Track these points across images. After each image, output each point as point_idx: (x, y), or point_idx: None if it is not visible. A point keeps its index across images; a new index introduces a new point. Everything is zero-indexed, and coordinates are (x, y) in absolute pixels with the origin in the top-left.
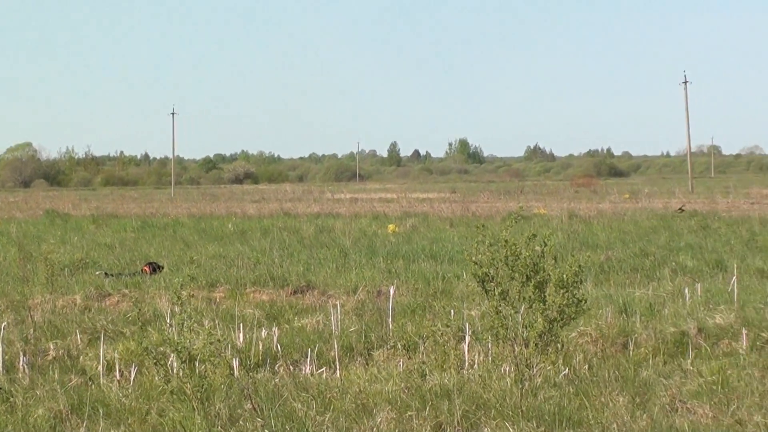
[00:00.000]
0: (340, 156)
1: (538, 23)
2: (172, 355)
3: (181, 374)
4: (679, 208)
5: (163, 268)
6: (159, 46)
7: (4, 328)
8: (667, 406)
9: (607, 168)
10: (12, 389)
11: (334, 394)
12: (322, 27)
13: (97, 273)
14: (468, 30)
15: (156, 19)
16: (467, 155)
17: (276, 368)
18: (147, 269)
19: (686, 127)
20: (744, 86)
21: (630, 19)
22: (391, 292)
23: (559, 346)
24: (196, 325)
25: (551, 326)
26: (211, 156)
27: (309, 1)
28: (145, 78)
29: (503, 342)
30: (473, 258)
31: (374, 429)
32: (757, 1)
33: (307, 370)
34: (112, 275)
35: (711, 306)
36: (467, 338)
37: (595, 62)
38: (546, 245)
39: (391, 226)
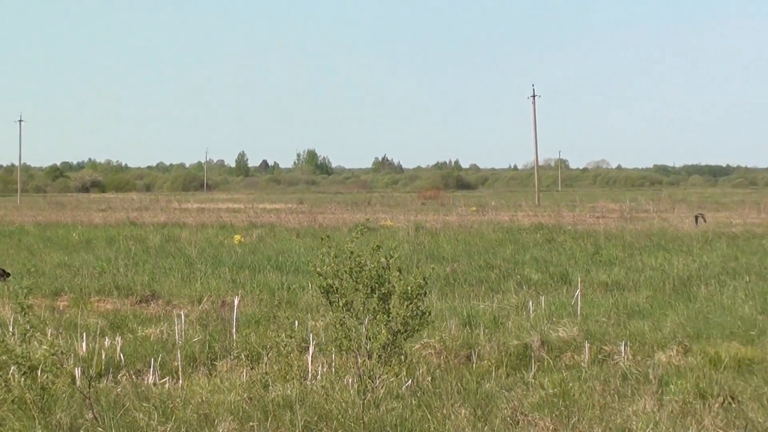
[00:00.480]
0: (188, 165)
1: (385, 34)
2: (13, 365)
3: (22, 384)
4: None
5: (9, 275)
6: (5, 52)
7: None
8: (508, 419)
9: (454, 180)
10: None
11: (177, 404)
12: (169, 35)
13: None
14: (316, 41)
15: (4, 24)
16: (315, 166)
17: (119, 378)
18: None
19: (534, 141)
20: (591, 101)
21: (480, 32)
22: (236, 302)
23: (402, 357)
24: (38, 334)
25: (395, 338)
26: (58, 164)
27: (151, 6)
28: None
29: (347, 353)
30: (318, 269)
31: None
32: (605, 17)
33: (150, 380)
34: (6, 274)
35: (554, 319)
36: (311, 349)
37: (443, 75)
38: (391, 257)
39: (237, 237)
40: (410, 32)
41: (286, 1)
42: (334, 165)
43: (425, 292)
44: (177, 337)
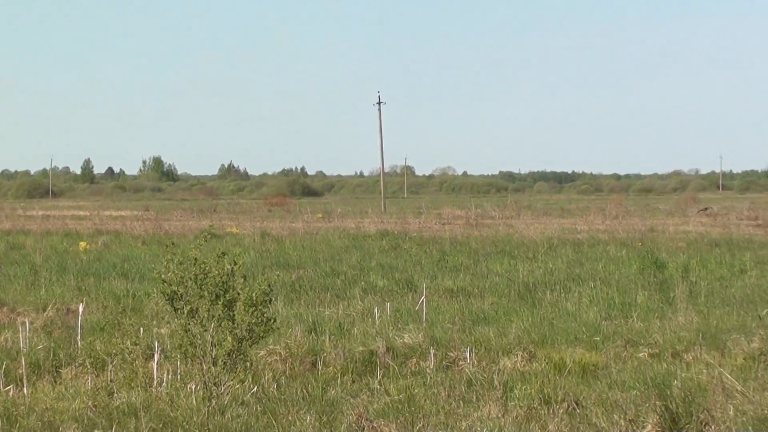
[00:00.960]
0: (33, 173)
1: (228, 39)
2: None
3: None
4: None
5: None
6: None
7: None
8: (353, 425)
9: (300, 187)
10: None
11: (21, 412)
12: (12, 37)
13: None
14: (160, 45)
15: None
16: (161, 173)
17: None
18: None
19: (380, 148)
20: (437, 108)
21: (326, 38)
22: (81, 309)
23: (248, 364)
24: None
25: (240, 345)
26: None
27: None
28: None
29: (192, 360)
30: (162, 276)
31: None
32: (449, 25)
33: None
34: None
35: (400, 325)
36: (156, 356)
37: (290, 81)
38: (236, 264)
39: (82, 244)
40: (253, 37)
41: (123, 3)
42: (180, 172)
43: (270, 299)
44: (21, 344)
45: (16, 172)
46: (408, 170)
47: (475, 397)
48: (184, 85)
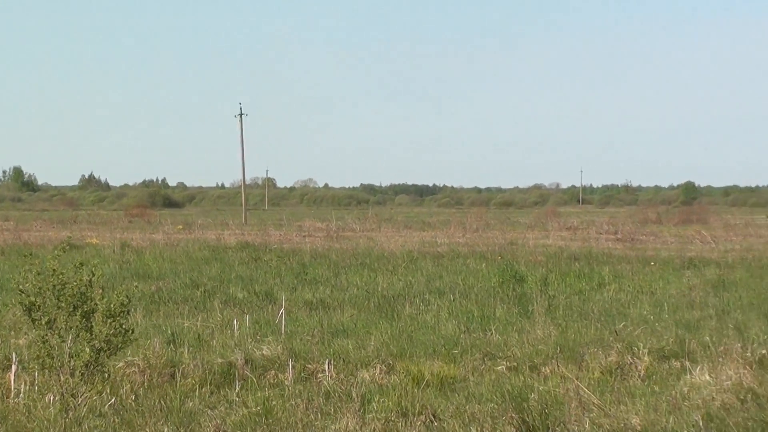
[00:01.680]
0: None
1: (90, 47)
2: None
3: None
4: None
5: None
6: None
7: None
8: None
9: (161, 198)
10: None
11: None
12: None
13: None
14: (18, 55)
15: None
16: (21, 183)
17: None
18: None
19: (241, 159)
20: (299, 120)
21: (188, 49)
22: None
23: (105, 375)
24: None
25: (98, 356)
26: None
27: None
28: None
29: (50, 371)
30: (20, 287)
31: None
32: (311, 36)
33: None
34: None
35: (259, 337)
36: (14, 367)
37: (152, 90)
38: (94, 275)
39: None
40: (116, 46)
41: None
42: (40, 182)
43: (129, 310)
44: None
45: None
46: (269, 182)
47: (333, 410)
48: (45, 94)
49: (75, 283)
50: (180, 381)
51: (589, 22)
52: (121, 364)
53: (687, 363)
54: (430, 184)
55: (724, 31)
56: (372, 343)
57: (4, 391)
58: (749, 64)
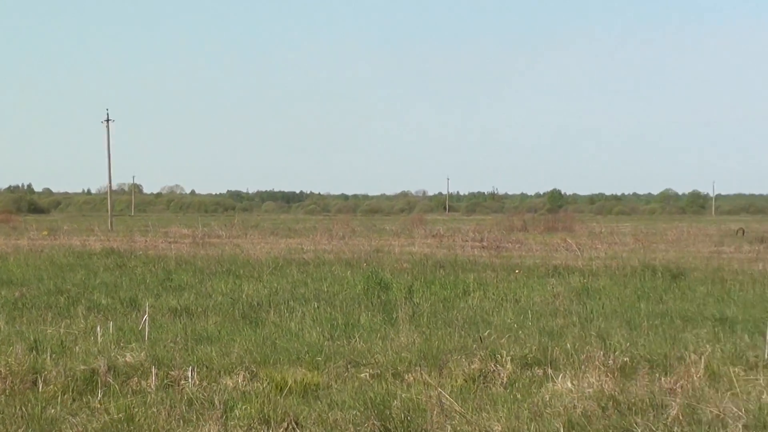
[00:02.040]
0: None
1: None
2: None
3: None
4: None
5: None
6: None
7: None
8: None
9: (27, 204)
10: None
11: None
12: None
13: None
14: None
15: None
16: None
17: None
18: None
19: (108, 165)
20: (166, 126)
21: (56, 50)
22: None
23: None
24: None
25: None
26: None
27: None
28: None
29: None
30: None
31: None
32: (176, 43)
33: None
34: None
35: (123, 344)
36: None
37: (16, 94)
38: None
39: None
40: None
41: None
42: None
43: None
44: None
45: None
46: (136, 188)
47: (195, 417)
48: None
49: None
50: (42, 388)
51: (452, 36)
52: None
53: (549, 370)
54: (297, 191)
55: (579, 43)
56: (236, 350)
57: None
58: (608, 75)
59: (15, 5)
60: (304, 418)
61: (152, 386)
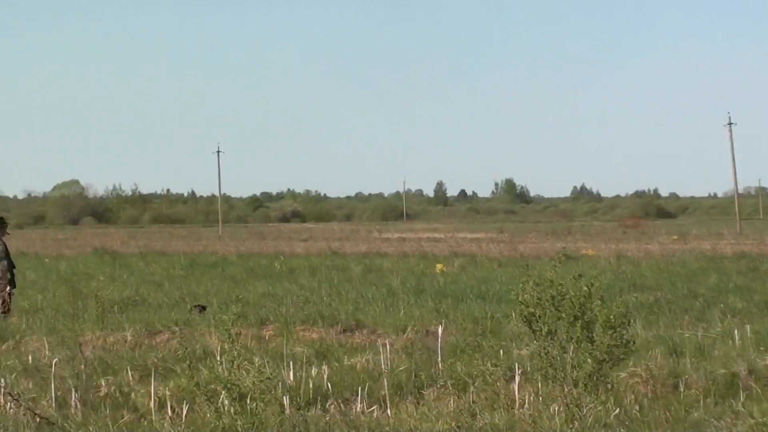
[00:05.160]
0: (386, 195)
1: (584, 60)
2: (223, 392)
3: (232, 411)
4: None
5: (206, 308)
6: (204, 85)
7: (55, 365)
8: None
9: (654, 209)
10: (65, 425)
11: None
12: (366, 66)
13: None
14: (511, 72)
15: (201, 58)
16: (514, 195)
17: (327, 406)
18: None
19: (732, 168)
20: None
21: (674, 57)
22: (440, 331)
23: (609, 386)
24: (245, 362)
25: (600, 367)
26: (258, 194)
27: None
28: (191, 116)
29: (553, 382)
30: (520, 298)
31: None
32: None
33: (358, 409)
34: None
35: (761, 348)
36: (517, 378)
37: (640, 101)
38: (592, 285)
39: (439, 266)
40: (603, 60)
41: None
42: (532, 194)
43: (629, 321)
44: (383, 365)
45: (370, 195)
46: (762, 191)
47: None
48: (535, 106)
49: (574, 294)
50: (684, 392)
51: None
52: (623, 375)
53: None
54: None
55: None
56: None
57: (508, 402)
58: None
59: None
60: None
61: None
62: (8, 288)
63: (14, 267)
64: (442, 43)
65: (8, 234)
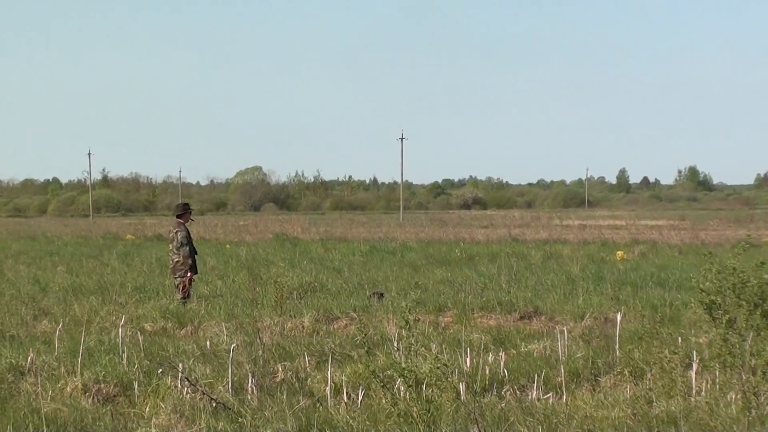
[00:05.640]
0: (568, 182)
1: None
2: (399, 378)
3: (407, 397)
4: None
5: (383, 295)
6: (389, 71)
7: (233, 350)
8: None
9: None
10: (241, 410)
11: (560, 419)
12: (551, 52)
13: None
14: (696, 56)
15: (384, 44)
16: (696, 183)
17: (502, 393)
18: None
19: None
20: None
21: None
22: (618, 318)
23: None
24: (423, 349)
25: None
26: (440, 181)
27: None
28: (374, 102)
29: (730, 370)
30: (700, 285)
31: None
32: None
33: (534, 395)
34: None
35: None
36: (694, 366)
37: None
38: None
39: (619, 253)
40: None
41: None
42: (715, 181)
43: None
44: (560, 353)
45: (551, 182)
46: None
47: None
48: (720, 94)
49: (755, 282)
50: None
51: None
52: None
53: None
54: None
55: None
56: None
57: (685, 390)
58: None
59: None
60: None
61: None
62: (189, 274)
63: (196, 253)
64: (630, 25)
65: (192, 221)
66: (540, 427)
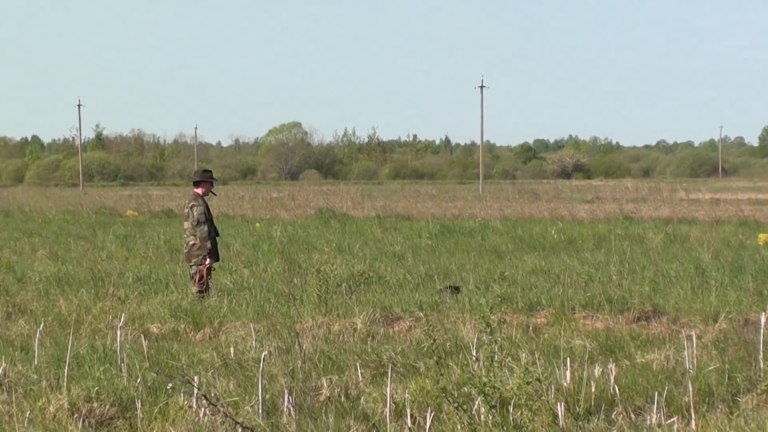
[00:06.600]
0: (696, 144)
1: None
2: (479, 397)
3: (489, 422)
4: None
5: (459, 289)
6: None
7: (265, 359)
8: None
9: None
10: None
11: None
12: None
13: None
14: None
15: None
16: None
17: (613, 416)
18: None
19: None
20: None
21: None
22: (762, 320)
23: None
24: (509, 359)
25: None
26: (531, 143)
27: None
28: (445, 44)
29: None
30: None
31: None
32: None
33: (654, 420)
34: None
35: None
36: None
37: None
38: None
39: (762, 236)
40: None
41: None
42: None
43: None
44: (687, 364)
45: (675, 144)
46: None
47: None
48: None
49: None
50: None
51: None
52: None
53: None
54: None
55: None
56: None
57: None
58: None
59: None
60: None
61: None
62: (207, 261)
63: (218, 234)
64: None
65: (213, 194)
66: None
